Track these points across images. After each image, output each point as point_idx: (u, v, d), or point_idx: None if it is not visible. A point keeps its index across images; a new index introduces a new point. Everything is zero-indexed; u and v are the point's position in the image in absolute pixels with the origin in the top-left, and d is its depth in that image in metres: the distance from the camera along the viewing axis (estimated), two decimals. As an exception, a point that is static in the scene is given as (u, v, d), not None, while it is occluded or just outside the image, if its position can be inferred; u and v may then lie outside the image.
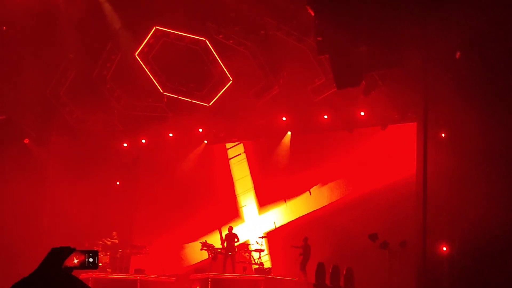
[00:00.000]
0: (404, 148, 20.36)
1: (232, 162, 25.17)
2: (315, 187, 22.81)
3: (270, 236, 23.34)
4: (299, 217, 23.01)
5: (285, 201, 23.51)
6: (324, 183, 22.64)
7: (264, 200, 24.14)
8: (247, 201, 24.59)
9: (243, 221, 24.26)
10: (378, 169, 21.28)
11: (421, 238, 16.04)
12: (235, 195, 24.78)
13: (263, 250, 21.78)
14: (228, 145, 25.36)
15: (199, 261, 23.49)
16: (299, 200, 23.25)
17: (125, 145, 25.93)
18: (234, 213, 24.51)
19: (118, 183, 25.70)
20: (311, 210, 22.75)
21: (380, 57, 14.88)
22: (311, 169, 22.90)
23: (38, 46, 21.44)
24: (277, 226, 23.56)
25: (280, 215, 23.66)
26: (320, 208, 22.53)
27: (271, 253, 23.14)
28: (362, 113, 21.30)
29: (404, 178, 20.22)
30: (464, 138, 16.51)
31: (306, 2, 17.67)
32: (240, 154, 25.00)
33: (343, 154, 22.30)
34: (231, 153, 25.27)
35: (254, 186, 24.42)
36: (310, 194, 22.90)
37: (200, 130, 24.99)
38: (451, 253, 16.51)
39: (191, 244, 24.20)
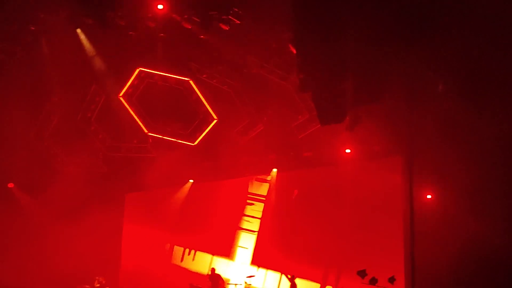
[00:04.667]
0: (390, 182, 20.37)
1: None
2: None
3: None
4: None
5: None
6: (310, 218, 22.50)
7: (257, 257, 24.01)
8: (246, 243, 24.47)
9: (233, 260, 24.06)
10: (365, 203, 21.24)
11: (410, 273, 15.98)
12: (231, 232, 24.63)
13: (251, 290, 21.60)
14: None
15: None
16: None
17: (110, 186, 25.78)
18: (224, 251, 24.36)
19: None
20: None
21: (363, 92, 14.98)
22: (298, 213, 22.81)
23: (21, 89, 21.42)
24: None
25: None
26: (307, 241, 22.34)
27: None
28: (348, 150, 21.33)
29: (392, 212, 20.20)
30: (448, 169, 16.61)
31: (288, 40, 17.91)
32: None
33: (329, 190, 22.26)
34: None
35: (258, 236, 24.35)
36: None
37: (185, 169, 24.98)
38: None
39: (180, 285, 23.94)
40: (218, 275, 22.13)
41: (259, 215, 24.25)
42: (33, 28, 20.05)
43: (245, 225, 24.35)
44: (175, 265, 25.00)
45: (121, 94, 21.77)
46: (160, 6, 18.43)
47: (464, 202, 15.92)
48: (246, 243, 24.22)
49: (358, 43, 13.96)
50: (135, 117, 22.18)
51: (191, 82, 21.30)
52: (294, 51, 16.04)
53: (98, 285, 22.95)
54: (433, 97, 16.49)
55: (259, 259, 23.67)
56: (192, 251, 24.99)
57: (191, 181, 25.48)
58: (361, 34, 13.78)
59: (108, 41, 21.07)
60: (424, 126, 17.08)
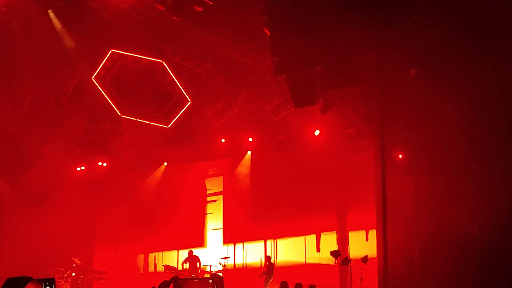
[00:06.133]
0: (363, 164, 20.57)
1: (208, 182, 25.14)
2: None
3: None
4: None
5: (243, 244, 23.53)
6: (284, 197, 22.61)
7: (229, 235, 24.09)
8: (214, 226, 24.50)
9: (206, 246, 24.12)
10: (338, 185, 21.44)
11: (382, 253, 16.21)
12: (202, 218, 24.71)
13: (225, 271, 21.69)
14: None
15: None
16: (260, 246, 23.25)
17: (83, 168, 25.69)
18: (197, 237, 24.45)
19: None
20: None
21: (336, 76, 15.09)
22: (273, 194, 22.89)
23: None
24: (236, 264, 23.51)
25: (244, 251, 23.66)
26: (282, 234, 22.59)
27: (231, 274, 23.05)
28: (319, 132, 21.48)
29: (364, 193, 20.42)
30: (419, 153, 16.81)
31: (263, 23, 17.89)
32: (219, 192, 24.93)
33: (303, 172, 22.38)
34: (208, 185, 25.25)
35: (223, 217, 24.39)
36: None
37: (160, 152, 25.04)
38: (411, 267, 16.73)
39: (154, 267, 24.01)
40: (196, 257, 22.22)
41: (221, 189, 24.48)
42: (3, 9, 19.75)
43: (209, 206, 24.55)
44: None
45: (93, 76, 21.59)
46: None
47: (435, 184, 16.15)
48: (214, 224, 24.41)
49: (332, 27, 14.03)
50: (108, 99, 22.03)
51: (164, 64, 21.19)
52: (269, 34, 16.06)
53: (74, 265, 22.94)
54: (405, 81, 16.66)
55: (232, 237, 23.86)
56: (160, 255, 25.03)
57: (165, 163, 25.48)
58: (335, 17, 13.85)
59: (80, 23, 20.84)
60: (396, 108, 17.24)
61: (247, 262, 23.16)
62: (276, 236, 22.55)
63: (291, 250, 22.30)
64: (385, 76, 15.62)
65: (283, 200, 22.49)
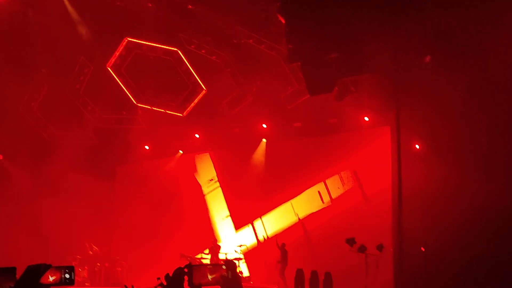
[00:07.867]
0: (379, 152, 20.51)
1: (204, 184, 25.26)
2: (292, 198, 22.86)
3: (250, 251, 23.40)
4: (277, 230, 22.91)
5: (261, 218, 23.52)
6: (300, 190, 22.61)
7: (240, 219, 24.13)
8: (222, 222, 24.56)
9: (220, 241, 24.17)
10: (354, 173, 21.39)
11: (398, 241, 16.18)
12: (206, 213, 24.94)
13: (241, 259, 21.77)
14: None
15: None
16: (276, 213, 23.27)
17: (101, 158, 25.82)
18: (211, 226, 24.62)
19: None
20: (289, 223, 22.78)
21: (351, 63, 15.00)
22: (287, 179, 22.88)
23: (9, 61, 21.26)
24: (259, 239, 23.59)
25: (258, 229, 23.65)
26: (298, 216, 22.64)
27: (248, 262, 23.10)
28: (336, 119, 21.43)
29: (380, 182, 20.37)
30: (435, 141, 16.73)
31: (277, 10, 17.82)
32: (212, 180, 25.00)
33: (318, 160, 22.34)
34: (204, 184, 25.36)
35: (228, 205, 24.48)
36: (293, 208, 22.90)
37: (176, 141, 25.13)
38: (426, 255, 16.70)
39: (170, 255, 24.12)
40: (219, 246, 22.34)
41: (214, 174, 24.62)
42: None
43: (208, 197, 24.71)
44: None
45: (109, 65, 21.64)
46: None
47: (451, 170, 16.08)
48: (221, 214, 24.50)
49: (346, 13, 13.96)
50: (124, 88, 22.09)
51: (179, 52, 21.22)
52: (283, 21, 16.01)
53: (91, 252, 23.15)
54: (420, 66, 16.57)
55: (243, 220, 23.97)
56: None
57: (181, 151, 25.54)
58: (350, 4, 13.77)
59: (95, 12, 20.90)
60: (411, 95, 17.16)
61: (268, 235, 23.24)
62: (288, 198, 22.60)
63: (308, 203, 22.45)
64: (400, 63, 15.52)
65: (291, 176, 22.65)
